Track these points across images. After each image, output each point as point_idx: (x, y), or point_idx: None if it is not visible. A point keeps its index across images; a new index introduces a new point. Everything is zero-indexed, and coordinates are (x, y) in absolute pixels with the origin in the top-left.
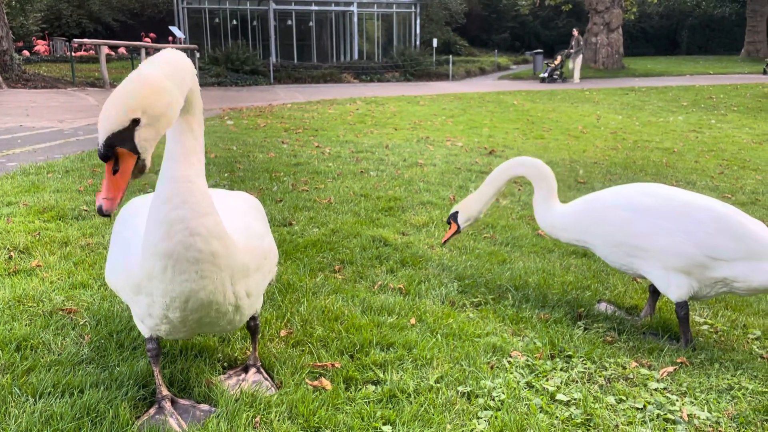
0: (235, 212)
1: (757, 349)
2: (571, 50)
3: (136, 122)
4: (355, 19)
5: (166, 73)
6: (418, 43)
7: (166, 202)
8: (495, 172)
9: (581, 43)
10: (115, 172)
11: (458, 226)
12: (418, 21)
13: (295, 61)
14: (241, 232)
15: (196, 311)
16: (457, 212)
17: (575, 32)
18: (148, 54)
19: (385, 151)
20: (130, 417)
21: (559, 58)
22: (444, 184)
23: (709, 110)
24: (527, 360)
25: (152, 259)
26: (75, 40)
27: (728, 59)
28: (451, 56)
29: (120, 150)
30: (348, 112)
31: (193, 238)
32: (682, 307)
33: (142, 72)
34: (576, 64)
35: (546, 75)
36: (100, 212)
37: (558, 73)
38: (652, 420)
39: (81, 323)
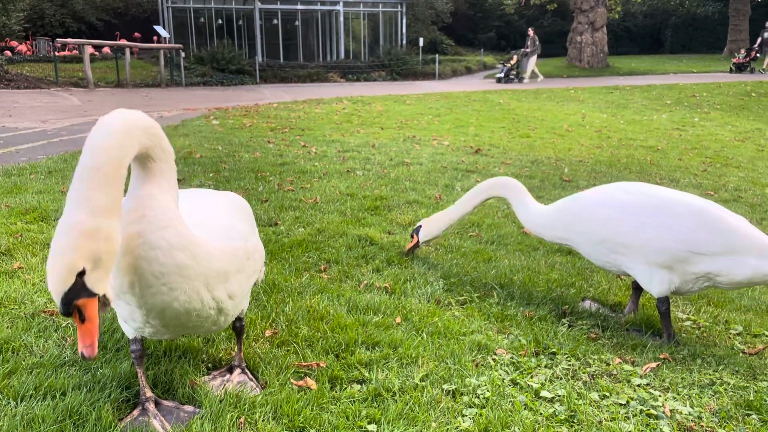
0: (216, 213)
1: (738, 345)
2: (527, 50)
3: (82, 273)
4: (341, 19)
5: (92, 205)
6: (404, 42)
7: (125, 217)
8: (470, 194)
9: (537, 42)
10: (83, 320)
11: (418, 240)
12: (404, 20)
13: (281, 60)
14: (219, 234)
15: (175, 318)
16: (420, 226)
17: (531, 32)
18: (132, 54)
19: (371, 151)
20: (113, 419)
21: (515, 57)
22: (430, 183)
23: (692, 108)
24: (512, 357)
25: (119, 276)
26: (58, 39)
27: (711, 58)
28: (437, 55)
29: (79, 302)
30: (334, 111)
31: (153, 251)
32: (663, 303)
33: (68, 221)
34: (530, 64)
35: (502, 75)
36: (84, 358)
37: (514, 73)
38: (635, 415)
39: (63, 325)
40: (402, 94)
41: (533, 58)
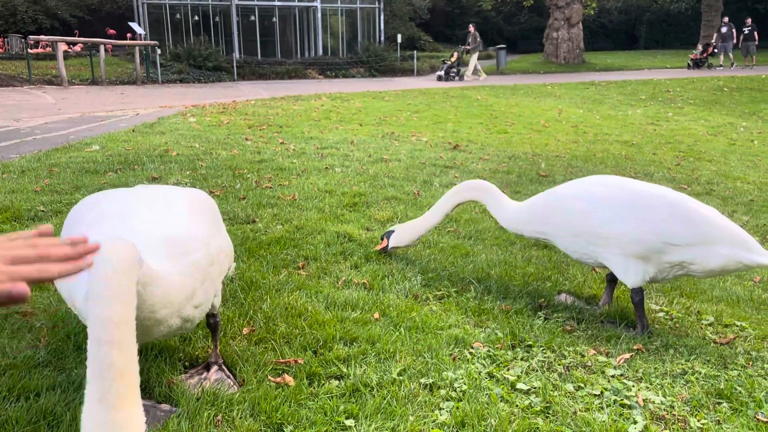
0: (176, 221)
1: (710, 335)
2: (468, 47)
3: None
4: (319, 15)
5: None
6: (382, 38)
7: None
8: (443, 200)
9: (478, 39)
10: None
11: (387, 246)
12: (382, 17)
13: (259, 57)
14: (180, 251)
15: (148, 337)
16: (392, 231)
17: (471, 28)
18: (106, 51)
19: (350, 147)
20: None
21: (455, 55)
22: (409, 179)
23: (666, 103)
24: (489, 351)
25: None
26: (31, 36)
27: (685, 53)
28: (415, 52)
29: None
30: (313, 108)
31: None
32: (637, 293)
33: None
34: (472, 61)
35: (442, 73)
36: None
37: (455, 70)
38: (609, 406)
39: (37, 326)
40: (380, 90)
41: (475, 56)
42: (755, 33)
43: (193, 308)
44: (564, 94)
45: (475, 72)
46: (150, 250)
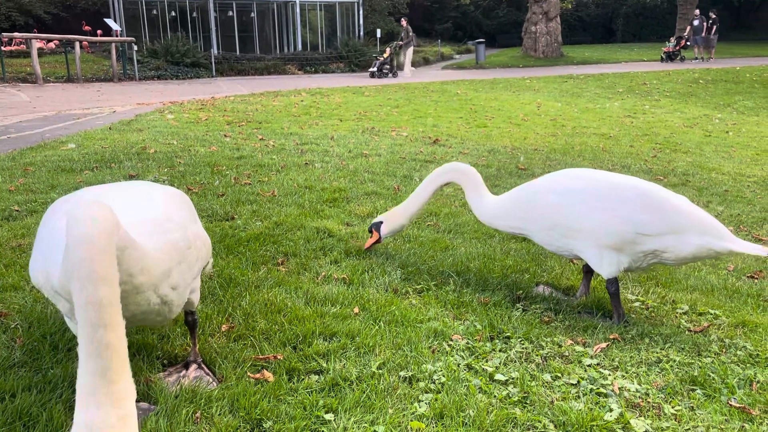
0: (152, 204)
1: (684, 323)
2: (401, 42)
3: None
4: (298, 10)
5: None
6: (361, 33)
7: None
8: (426, 181)
9: (411, 33)
10: None
11: (380, 236)
12: (361, 11)
13: (238, 53)
14: (157, 229)
15: (126, 311)
16: (380, 222)
17: (404, 22)
18: (82, 48)
19: (330, 143)
20: (65, 419)
21: (388, 50)
22: (389, 174)
23: (643, 96)
24: (467, 343)
25: (69, 277)
26: (4, 33)
27: (661, 46)
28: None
29: None
30: (292, 104)
31: None
32: (612, 284)
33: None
34: (407, 56)
35: (375, 69)
36: None
37: (388, 66)
38: (586, 394)
39: (12, 326)
40: (360, 85)
41: (409, 50)
42: (714, 27)
43: (171, 289)
44: (543, 88)
45: (401, 67)
46: (130, 229)
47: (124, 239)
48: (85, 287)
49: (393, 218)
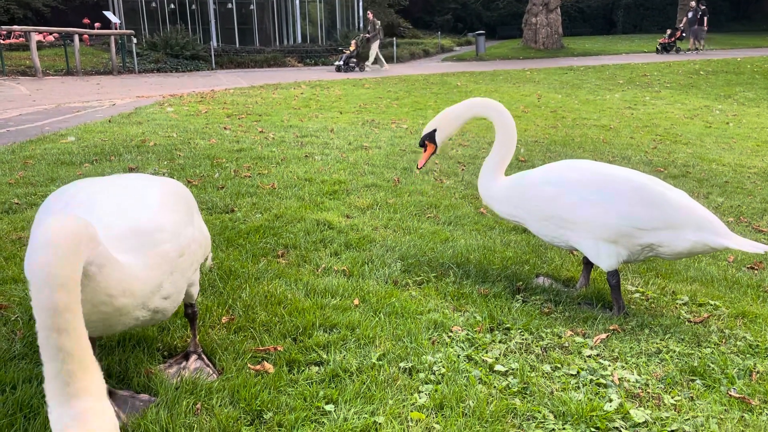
0: (143, 211)
1: (684, 314)
2: (368, 35)
3: None
4: (297, 2)
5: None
6: (361, 25)
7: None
8: (461, 107)
9: (377, 26)
10: None
11: (436, 146)
12: (361, 3)
13: (237, 45)
14: (146, 242)
15: (112, 329)
16: (433, 131)
17: (370, 15)
18: (82, 41)
19: (330, 135)
20: None
21: (353, 44)
22: (389, 167)
23: (643, 87)
24: (467, 334)
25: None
26: (3, 26)
27: (661, 37)
28: (395, 38)
29: None
30: (292, 96)
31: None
32: (613, 276)
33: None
34: (373, 50)
35: (341, 63)
36: None
37: (354, 60)
38: (585, 385)
39: (13, 319)
40: (360, 77)
41: (375, 44)
42: (705, 18)
43: (162, 299)
44: (543, 80)
45: (377, 61)
46: (114, 241)
47: (102, 256)
48: (41, 291)
49: (446, 120)
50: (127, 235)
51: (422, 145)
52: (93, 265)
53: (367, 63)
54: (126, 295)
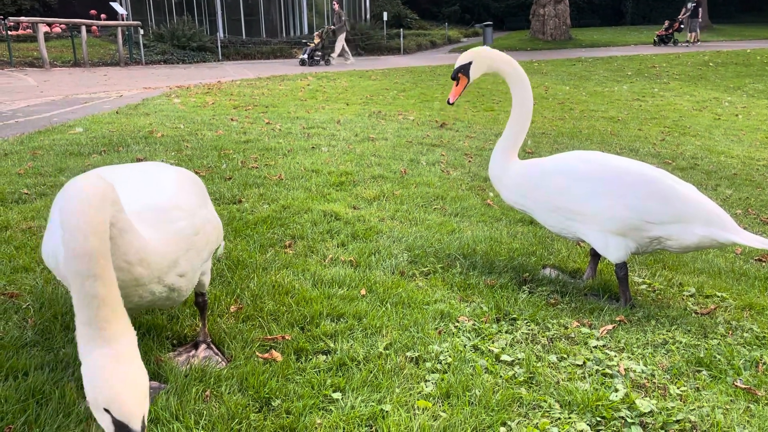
0: (160, 191)
1: (691, 306)
2: (333, 27)
3: None
4: None
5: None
6: (368, 17)
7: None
8: (496, 53)
9: (343, 18)
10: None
11: (468, 79)
12: None
13: (244, 36)
14: (163, 218)
15: (129, 302)
16: (469, 63)
17: (335, 6)
18: (89, 32)
19: (336, 127)
20: (77, 397)
21: (317, 36)
22: (395, 158)
23: (652, 79)
24: (474, 324)
25: (68, 264)
26: (11, 18)
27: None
28: (402, 30)
29: None
30: (299, 87)
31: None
32: (622, 268)
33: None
34: (339, 42)
35: (306, 57)
36: None
37: (319, 54)
38: (591, 375)
39: (24, 307)
40: (367, 69)
41: (341, 36)
42: (699, 10)
43: (178, 277)
44: (551, 71)
45: (342, 54)
46: (134, 215)
47: (124, 221)
48: (75, 237)
49: (480, 61)
50: (145, 211)
51: (454, 77)
52: (115, 228)
53: (332, 56)
54: (143, 265)
